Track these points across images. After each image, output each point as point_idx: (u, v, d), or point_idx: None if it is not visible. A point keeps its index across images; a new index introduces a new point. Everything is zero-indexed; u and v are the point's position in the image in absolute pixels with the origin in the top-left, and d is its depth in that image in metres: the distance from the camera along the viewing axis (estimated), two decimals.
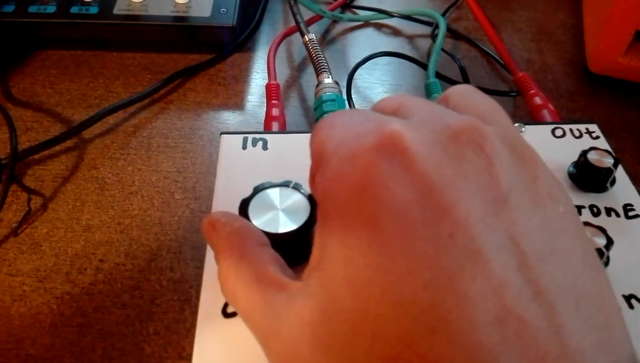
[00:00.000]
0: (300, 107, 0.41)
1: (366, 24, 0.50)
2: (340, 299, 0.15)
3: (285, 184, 0.23)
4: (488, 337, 0.13)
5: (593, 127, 0.31)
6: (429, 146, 0.16)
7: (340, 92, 0.36)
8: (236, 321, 0.22)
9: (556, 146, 0.30)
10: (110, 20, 0.43)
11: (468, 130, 0.17)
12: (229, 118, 0.40)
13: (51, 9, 0.44)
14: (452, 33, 0.48)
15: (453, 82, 0.42)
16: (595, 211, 0.27)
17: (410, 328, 0.14)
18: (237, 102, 0.41)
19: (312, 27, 0.45)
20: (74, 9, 0.44)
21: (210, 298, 0.22)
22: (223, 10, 0.44)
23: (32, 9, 0.44)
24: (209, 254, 0.24)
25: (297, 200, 0.22)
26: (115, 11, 0.44)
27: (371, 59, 0.42)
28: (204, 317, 0.22)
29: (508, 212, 0.15)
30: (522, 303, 0.14)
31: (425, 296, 0.14)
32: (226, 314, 0.22)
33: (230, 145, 0.29)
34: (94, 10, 0.44)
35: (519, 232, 0.15)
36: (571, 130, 0.31)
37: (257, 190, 0.23)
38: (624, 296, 0.23)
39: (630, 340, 0.15)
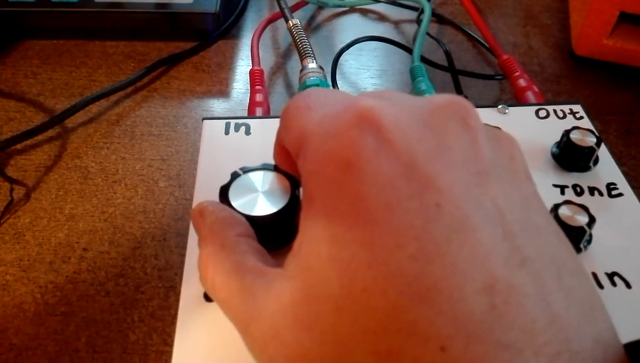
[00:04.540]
0: (286, 93, 0.41)
1: (352, 9, 0.50)
2: (324, 277, 0.15)
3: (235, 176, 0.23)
4: (477, 305, 0.13)
5: (577, 108, 0.31)
6: (408, 120, 0.16)
7: (325, 77, 0.35)
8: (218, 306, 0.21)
9: (540, 127, 0.30)
10: (91, 9, 0.43)
11: (451, 105, 0.17)
12: (214, 105, 0.40)
13: None
14: (437, 18, 0.48)
15: (438, 67, 0.41)
16: (578, 190, 0.27)
17: (398, 299, 0.13)
18: (221, 90, 0.41)
19: (297, 14, 0.45)
20: None
21: (192, 282, 0.22)
22: None
23: None
24: (191, 240, 0.24)
25: (280, 183, 0.22)
26: None
27: (356, 43, 0.42)
28: (185, 301, 0.22)
29: (492, 184, 0.15)
30: (509, 270, 0.14)
31: (413, 267, 0.14)
32: (208, 299, 0.22)
33: (212, 130, 0.29)
34: None
35: (503, 203, 0.15)
36: (555, 111, 0.31)
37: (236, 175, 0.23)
38: (607, 274, 0.23)
39: (609, 314, 0.15)
